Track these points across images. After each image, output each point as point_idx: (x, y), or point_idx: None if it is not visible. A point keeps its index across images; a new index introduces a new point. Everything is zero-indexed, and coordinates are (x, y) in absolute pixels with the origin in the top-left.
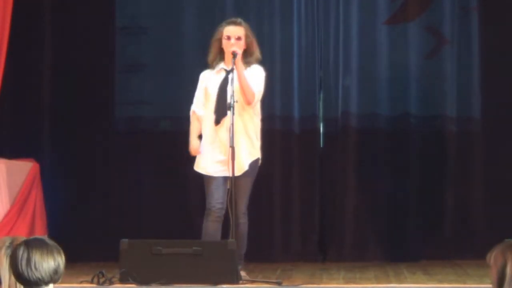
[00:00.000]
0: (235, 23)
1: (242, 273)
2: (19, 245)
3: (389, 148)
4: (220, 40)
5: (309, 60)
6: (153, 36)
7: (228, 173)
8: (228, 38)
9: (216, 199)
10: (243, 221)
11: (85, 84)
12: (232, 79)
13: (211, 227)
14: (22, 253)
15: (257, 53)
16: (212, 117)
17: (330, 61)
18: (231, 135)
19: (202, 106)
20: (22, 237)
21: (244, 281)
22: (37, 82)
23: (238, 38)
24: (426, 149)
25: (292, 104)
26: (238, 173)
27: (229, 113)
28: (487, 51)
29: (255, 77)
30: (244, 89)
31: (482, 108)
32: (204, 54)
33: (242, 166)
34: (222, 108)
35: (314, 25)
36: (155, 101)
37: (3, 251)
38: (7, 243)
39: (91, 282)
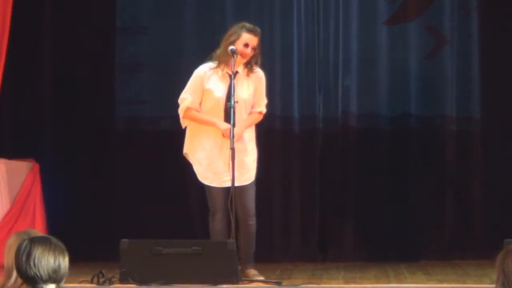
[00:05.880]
0: (254, 33)
1: (254, 272)
2: (24, 239)
3: (389, 148)
4: (234, 42)
5: (309, 60)
6: (153, 36)
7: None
8: (246, 45)
9: (219, 202)
10: (253, 222)
11: (85, 84)
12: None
13: (218, 226)
14: (24, 247)
15: (260, 60)
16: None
17: (330, 61)
18: (231, 136)
19: (198, 107)
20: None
21: (252, 280)
22: (37, 82)
23: (254, 48)
24: (426, 149)
25: (292, 104)
26: (247, 182)
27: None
28: (487, 51)
29: (261, 90)
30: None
31: (482, 108)
32: (204, 54)
33: (252, 175)
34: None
35: (314, 25)
36: (155, 101)
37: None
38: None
39: (91, 282)
